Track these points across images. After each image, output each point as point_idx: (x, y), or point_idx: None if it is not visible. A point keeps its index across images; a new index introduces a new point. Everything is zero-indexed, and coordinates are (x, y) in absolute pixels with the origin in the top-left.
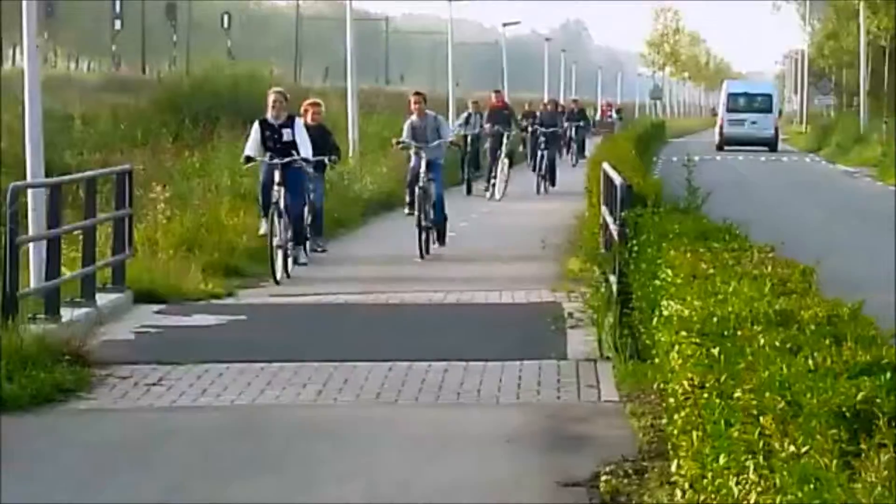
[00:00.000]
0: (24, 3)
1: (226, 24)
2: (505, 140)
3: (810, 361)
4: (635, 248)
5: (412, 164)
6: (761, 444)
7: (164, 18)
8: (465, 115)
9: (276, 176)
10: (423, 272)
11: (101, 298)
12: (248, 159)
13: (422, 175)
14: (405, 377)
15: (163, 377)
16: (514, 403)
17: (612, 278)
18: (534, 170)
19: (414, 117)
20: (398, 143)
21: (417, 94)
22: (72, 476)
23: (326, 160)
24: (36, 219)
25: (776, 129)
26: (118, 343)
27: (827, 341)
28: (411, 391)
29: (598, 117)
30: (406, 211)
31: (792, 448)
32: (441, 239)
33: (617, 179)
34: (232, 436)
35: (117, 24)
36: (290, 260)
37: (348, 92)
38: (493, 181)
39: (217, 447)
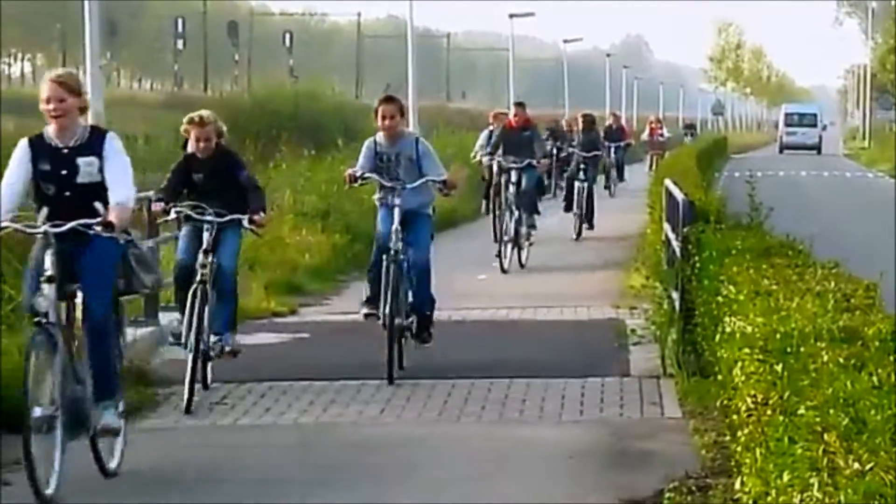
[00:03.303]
0: (87, 24)
1: (287, 43)
2: (516, 177)
3: (874, 378)
4: (698, 265)
5: (379, 230)
6: (825, 461)
7: (225, 37)
8: (485, 132)
9: (48, 263)
10: (484, 288)
11: (164, 317)
12: None
13: (394, 234)
14: (468, 394)
15: (226, 396)
16: (577, 420)
17: (675, 295)
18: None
19: (380, 138)
20: (354, 179)
21: (389, 99)
22: (136, 496)
23: (244, 222)
24: None
25: (820, 138)
26: (181, 362)
27: (891, 357)
28: (474, 408)
29: (645, 136)
30: (363, 311)
31: (856, 465)
32: (422, 334)
33: (679, 196)
34: (296, 454)
35: (180, 43)
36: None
37: (409, 109)
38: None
39: (281, 465)
